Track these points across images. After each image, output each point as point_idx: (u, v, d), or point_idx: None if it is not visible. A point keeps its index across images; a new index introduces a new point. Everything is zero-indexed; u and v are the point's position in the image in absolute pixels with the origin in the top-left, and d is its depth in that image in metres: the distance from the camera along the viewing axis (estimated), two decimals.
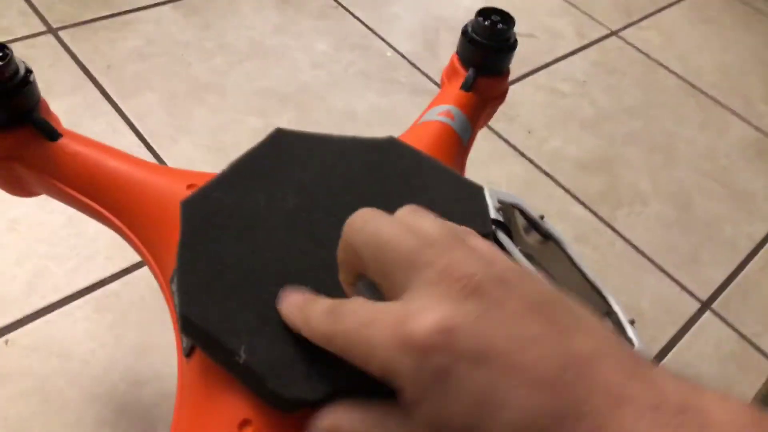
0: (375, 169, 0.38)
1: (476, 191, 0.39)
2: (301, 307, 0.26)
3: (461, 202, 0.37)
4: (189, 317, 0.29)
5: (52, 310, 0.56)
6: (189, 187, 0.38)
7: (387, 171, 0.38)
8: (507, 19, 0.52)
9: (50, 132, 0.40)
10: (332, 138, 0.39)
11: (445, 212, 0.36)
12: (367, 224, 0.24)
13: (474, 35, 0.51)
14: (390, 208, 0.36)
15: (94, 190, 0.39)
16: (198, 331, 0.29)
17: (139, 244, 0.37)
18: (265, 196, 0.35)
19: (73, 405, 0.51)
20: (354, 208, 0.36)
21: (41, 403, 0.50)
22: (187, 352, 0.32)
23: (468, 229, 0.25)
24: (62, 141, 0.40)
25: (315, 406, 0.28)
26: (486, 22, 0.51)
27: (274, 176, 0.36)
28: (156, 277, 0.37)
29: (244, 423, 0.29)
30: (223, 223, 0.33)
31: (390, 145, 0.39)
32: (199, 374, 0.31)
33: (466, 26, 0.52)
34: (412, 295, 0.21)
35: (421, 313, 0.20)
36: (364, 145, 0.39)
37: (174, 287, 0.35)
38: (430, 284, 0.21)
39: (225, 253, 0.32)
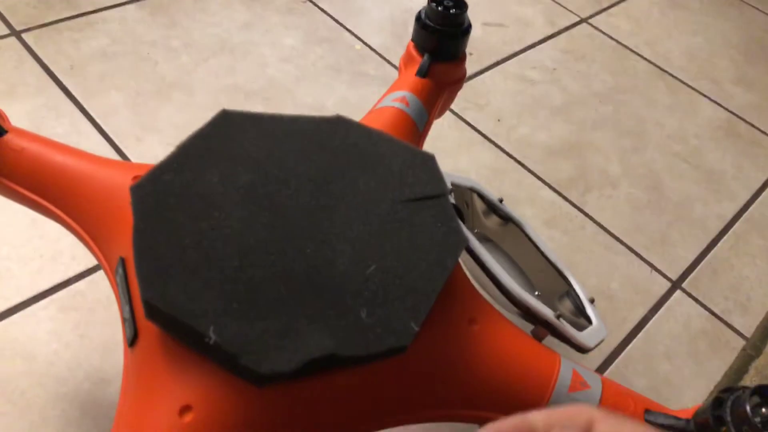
0: (326, 142, 0.38)
1: (428, 158, 0.39)
2: None
3: (415, 169, 0.38)
4: (153, 303, 0.29)
5: (16, 312, 0.55)
6: (135, 178, 0.38)
7: (338, 144, 0.38)
8: (460, 4, 0.52)
9: None
10: (279, 116, 0.39)
11: (401, 178, 0.37)
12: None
13: (427, 21, 0.51)
14: (345, 176, 0.36)
15: (40, 185, 0.38)
16: (164, 317, 0.29)
17: (86, 236, 0.37)
18: (217, 174, 0.34)
19: (38, 405, 0.50)
20: (309, 179, 0.36)
21: (5, 404, 0.50)
22: (131, 342, 0.32)
23: None
24: (7, 137, 0.39)
25: (289, 378, 0.28)
26: (439, 8, 0.51)
27: (223, 155, 0.35)
28: (104, 268, 0.36)
29: (185, 409, 0.29)
30: (177, 204, 0.32)
31: (339, 121, 0.39)
32: (142, 363, 0.31)
33: (419, 12, 0.52)
34: None
35: None
36: (312, 121, 0.39)
37: (118, 278, 0.35)
38: None
39: (182, 234, 0.31)
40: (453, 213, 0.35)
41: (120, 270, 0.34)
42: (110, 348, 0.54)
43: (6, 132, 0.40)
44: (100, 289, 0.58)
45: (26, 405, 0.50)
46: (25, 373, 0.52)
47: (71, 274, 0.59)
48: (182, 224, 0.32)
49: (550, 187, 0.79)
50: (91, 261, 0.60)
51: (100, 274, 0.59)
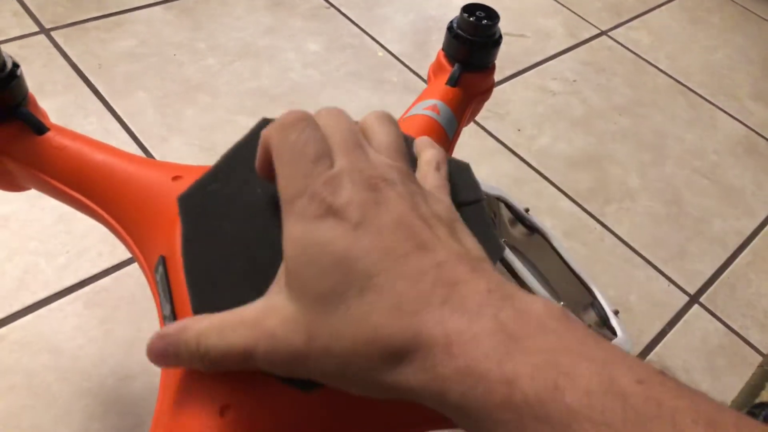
0: None
1: (464, 165, 0.39)
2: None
3: (451, 176, 0.38)
4: (204, 312, 0.29)
5: (42, 306, 0.56)
6: (174, 178, 0.38)
7: None
8: (492, 15, 0.52)
9: (37, 126, 0.40)
10: None
11: None
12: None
13: (459, 31, 0.52)
14: None
15: (81, 182, 0.39)
16: None
17: (124, 234, 0.38)
18: (261, 184, 0.35)
19: (63, 399, 0.51)
20: None
21: (31, 397, 0.51)
22: None
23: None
24: (49, 135, 0.40)
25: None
26: (471, 18, 0.51)
27: None
28: (141, 266, 0.37)
29: (225, 408, 0.29)
30: (224, 213, 0.33)
31: None
32: None
33: (451, 22, 0.53)
34: None
35: None
36: None
37: (158, 276, 0.35)
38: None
39: (230, 244, 0.32)
40: (490, 220, 0.36)
41: (160, 268, 0.34)
42: (135, 344, 0.55)
43: (48, 130, 0.41)
44: (126, 286, 0.59)
45: (51, 399, 0.51)
46: (50, 367, 0.53)
47: (97, 270, 0.60)
48: (229, 233, 0.32)
49: (570, 198, 0.79)
50: (116, 258, 0.61)
51: (125, 271, 0.60)
